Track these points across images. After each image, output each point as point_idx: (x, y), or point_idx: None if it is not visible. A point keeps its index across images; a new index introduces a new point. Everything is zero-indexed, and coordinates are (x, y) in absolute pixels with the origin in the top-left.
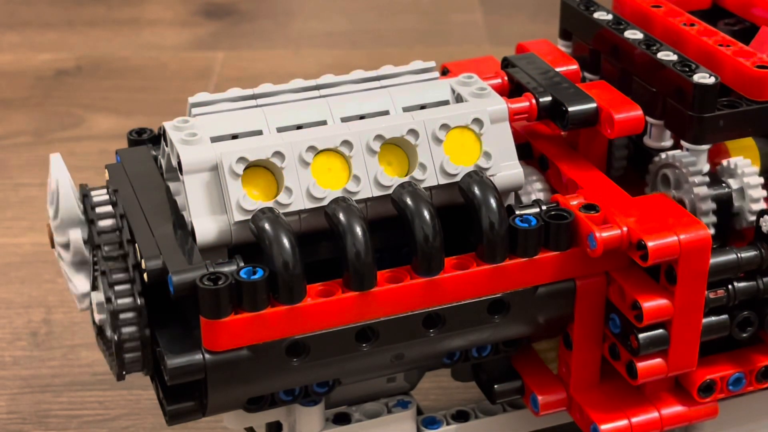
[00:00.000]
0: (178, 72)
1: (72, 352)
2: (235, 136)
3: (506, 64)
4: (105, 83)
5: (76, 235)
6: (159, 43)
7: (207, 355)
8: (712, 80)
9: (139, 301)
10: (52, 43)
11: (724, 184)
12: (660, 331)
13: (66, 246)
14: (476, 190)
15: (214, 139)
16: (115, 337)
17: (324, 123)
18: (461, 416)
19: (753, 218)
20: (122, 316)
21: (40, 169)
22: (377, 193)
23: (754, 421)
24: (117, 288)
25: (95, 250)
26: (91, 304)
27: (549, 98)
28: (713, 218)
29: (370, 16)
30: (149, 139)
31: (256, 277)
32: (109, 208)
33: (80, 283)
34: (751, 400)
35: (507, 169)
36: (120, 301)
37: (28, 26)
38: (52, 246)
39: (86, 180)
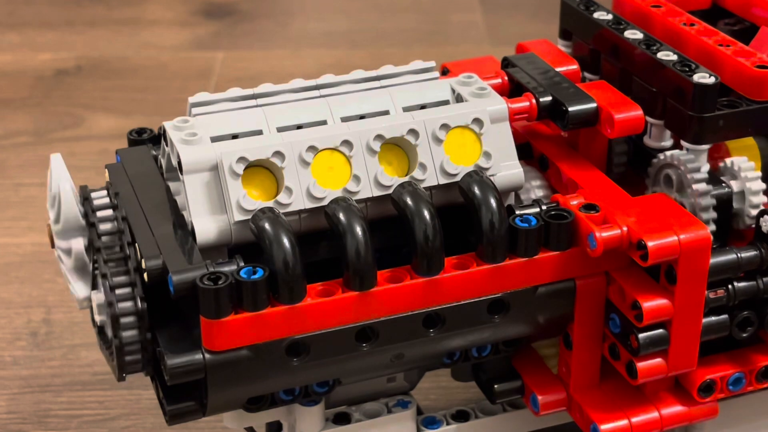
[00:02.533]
0: (178, 72)
1: (72, 352)
2: (235, 136)
3: (506, 64)
4: (105, 83)
5: (78, 245)
6: (159, 43)
7: (207, 355)
8: (712, 80)
9: (140, 305)
10: (52, 43)
11: (724, 184)
12: (660, 331)
13: (67, 252)
14: (476, 190)
15: (214, 139)
16: (116, 341)
17: (324, 123)
18: (461, 416)
19: (753, 217)
20: (123, 320)
21: (40, 169)
22: (377, 193)
23: (754, 421)
24: (118, 292)
25: (96, 253)
26: (91, 304)
27: (549, 98)
28: (713, 217)
29: (370, 16)
30: (149, 139)
31: (256, 276)
32: (110, 212)
33: (80, 288)
34: (751, 400)
35: (507, 169)
36: (121, 305)
37: (28, 26)
38: (52, 246)
39: (86, 180)
